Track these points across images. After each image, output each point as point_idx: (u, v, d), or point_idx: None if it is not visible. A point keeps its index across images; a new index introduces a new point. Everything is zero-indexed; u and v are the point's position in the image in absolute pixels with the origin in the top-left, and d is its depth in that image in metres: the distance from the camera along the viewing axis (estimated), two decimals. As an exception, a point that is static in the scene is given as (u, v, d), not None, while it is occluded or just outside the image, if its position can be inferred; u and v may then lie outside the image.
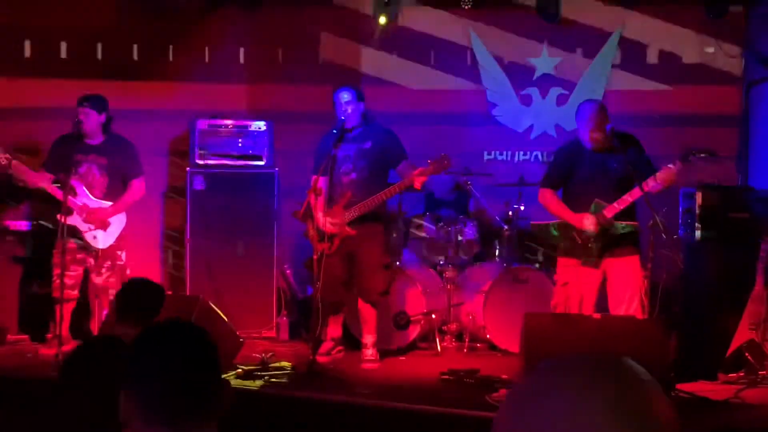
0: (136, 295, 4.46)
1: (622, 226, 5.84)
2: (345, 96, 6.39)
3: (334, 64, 8.21)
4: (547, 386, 1.22)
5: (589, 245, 5.89)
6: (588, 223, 5.85)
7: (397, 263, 7.05)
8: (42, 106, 7.83)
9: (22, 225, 7.15)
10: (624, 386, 1.20)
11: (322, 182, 6.29)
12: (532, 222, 6.64)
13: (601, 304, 6.04)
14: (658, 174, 5.71)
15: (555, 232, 6.07)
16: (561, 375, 1.23)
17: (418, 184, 6.15)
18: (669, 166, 5.71)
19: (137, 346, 1.99)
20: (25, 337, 6.98)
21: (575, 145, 6.17)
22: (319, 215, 6.27)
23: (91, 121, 6.59)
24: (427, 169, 6.15)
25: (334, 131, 6.38)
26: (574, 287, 5.97)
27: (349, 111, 6.35)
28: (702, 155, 5.82)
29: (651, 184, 5.71)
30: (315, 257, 6.22)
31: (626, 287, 5.88)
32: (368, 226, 6.34)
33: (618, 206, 5.80)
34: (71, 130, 6.58)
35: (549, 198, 6.14)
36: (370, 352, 6.42)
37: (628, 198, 5.77)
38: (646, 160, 5.99)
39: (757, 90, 7.85)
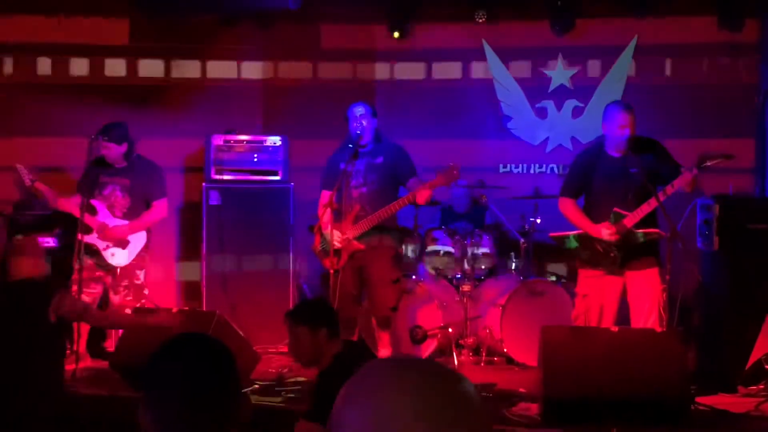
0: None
1: (642, 234, 5.75)
2: (360, 110, 6.39)
3: (349, 78, 8.23)
4: (360, 383, 1.32)
5: (612, 254, 5.80)
6: (608, 233, 5.76)
7: (413, 277, 7.03)
8: (60, 125, 7.89)
9: (50, 241, 7.18)
10: (430, 380, 1.29)
11: (326, 196, 6.29)
12: (550, 234, 6.48)
13: (622, 314, 6.01)
14: (674, 182, 5.64)
15: (575, 243, 5.99)
16: (373, 372, 1.33)
17: (421, 199, 6.10)
18: (686, 173, 5.64)
19: (155, 358, 1.99)
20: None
21: (594, 151, 6.09)
22: (329, 230, 6.26)
23: (113, 153, 6.70)
24: (435, 181, 6.12)
25: (350, 146, 6.37)
26: (593, 299, 5.92)
27: (365, 124, 6.35)
28: (718, 159, 5.75)
29: (669, 191, 5.65)
30: (332, 272, 6.21)
31: (645, 300, 5.82)
32: (377, 240, 6.32)
33: (638, 215, 5.71)
34: (87, 154, 6.67)
35: (569, 208, 6.04)
36: None
37: (647, 207, 5.69)
38: (672, 164, 5.87)
39: (775, 100, 7.81)
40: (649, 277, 5.83)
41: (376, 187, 6.34)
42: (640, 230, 5.75)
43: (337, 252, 6.23)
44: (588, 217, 5.93)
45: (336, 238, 6.23)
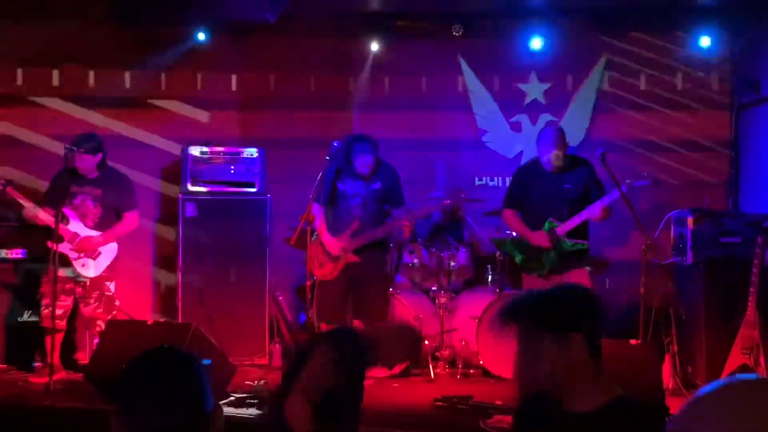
0: None
1: (571, 243, 6.33)
2: (368, 158, 6.66)
3: (326, 90, 8.23)
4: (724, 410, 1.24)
5: (542, 259, 6.40)
6: (541, 239, 6.36)
7: (390, 289, 7.05)
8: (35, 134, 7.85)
9: (18, 253, 7.12)
10: None
11: (317, 209, 6.60)
12: (490, 237, 7.07)
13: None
14: (587, 209, 6.27)
15: (511, 246, 6.59)
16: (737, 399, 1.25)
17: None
18: (614, 190, 6.13)
19: (128, 371, 1.99)
20: (12, 367, 6.92)
21: (532, 167, 6.66)
22: (327, 239, 6.60)
23: (87, 163, 6.64)
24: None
25: (352, 169, 6.67)
26: None
27: (371, 164, 6.68)
28: (643, 182, 6.31)
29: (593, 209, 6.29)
30: (308, 284, 6.28)
31: None
32: (371, 256, 6.65)
33: (569, 225, 6.32)
34: (63, 162, 6.61)
35: (510, 217, 6.68)
36: None
37: (577, 219, 6.29)
38: (598, 182, 6.49)
39: (746, 114, 7.90)
40: (578, 276, 6.32)
41: (375, 209, 6.74)
42: (570, 240, 6.34)
43: (336, 259, 6.54)
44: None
45: (333, 247, 6.54)
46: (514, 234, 6.78)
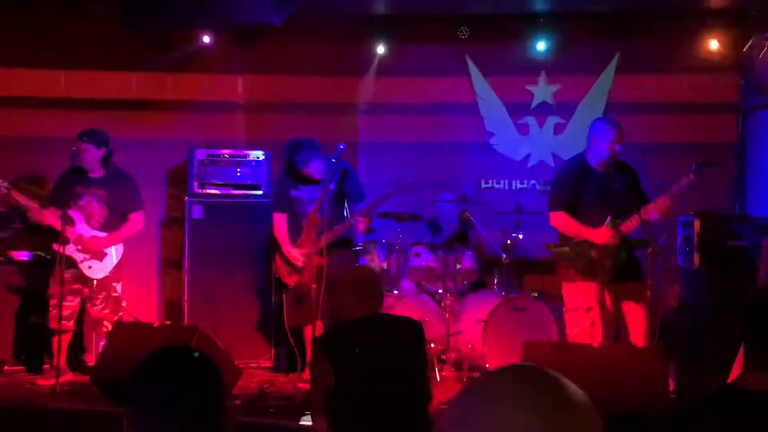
0: None
1: (636, 241, 5.89)
2: (316, 164, 6.54)
3: (332, 93, 8.24)
4: (479, 392, 1.39)
5: (606, 264, 5.85)
6: (607, 235, 5.83)
7: (395, 291, 7.04)
8: (42, 136, 7.87)
9: (24, 255, 7.14)
10: (541, 387, 1.36)
11: (282, 219, 6.70)
12: (546, 244, 6.39)
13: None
14: (651, 204, 5.75)
15: (570, 253, 6.00)
16: (491, 382, 1.39)
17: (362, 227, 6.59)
18: (663, 197, 5.75)
19: (140, 371, 1.99)
20: (21, 368, 6.95)
21: (580, 165, 6.13)
22: (288, 251, 6.55)
23: (91, 155, 6.62)
24: (383, 197, 6.43)
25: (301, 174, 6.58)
26: (597, 311, 5.87)
27: (322, 174, 6.54)
28: (712, 166, 5.84)
29: (648, 212, 5.76)
30: (291, 285, 6.41)
31: (638, 313, 5.90)
32: (338, 253, 6.50)
33: (633, 223, 5.81)
34: (69, 162, 6.63)
35: (564, 219, 6.05)
36: None
37: (636, 219, 5.79)
38: (640, 188, 6.13)
39: (754, 118, 7.88)
40: (640, 289, 5.89)
41: (332, 210, 6.50)
42: (636, 237, 5.90)
43: (301, 270, 6.45)
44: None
45: (298, 254, 6.46)
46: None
